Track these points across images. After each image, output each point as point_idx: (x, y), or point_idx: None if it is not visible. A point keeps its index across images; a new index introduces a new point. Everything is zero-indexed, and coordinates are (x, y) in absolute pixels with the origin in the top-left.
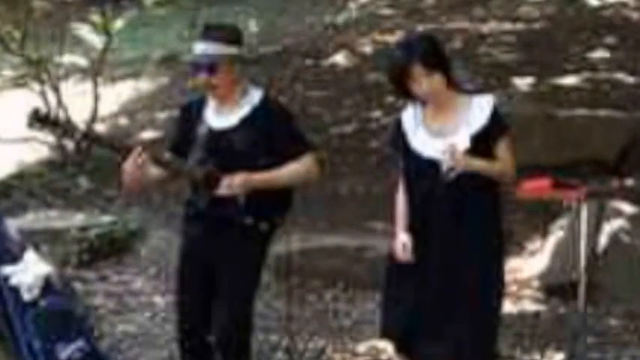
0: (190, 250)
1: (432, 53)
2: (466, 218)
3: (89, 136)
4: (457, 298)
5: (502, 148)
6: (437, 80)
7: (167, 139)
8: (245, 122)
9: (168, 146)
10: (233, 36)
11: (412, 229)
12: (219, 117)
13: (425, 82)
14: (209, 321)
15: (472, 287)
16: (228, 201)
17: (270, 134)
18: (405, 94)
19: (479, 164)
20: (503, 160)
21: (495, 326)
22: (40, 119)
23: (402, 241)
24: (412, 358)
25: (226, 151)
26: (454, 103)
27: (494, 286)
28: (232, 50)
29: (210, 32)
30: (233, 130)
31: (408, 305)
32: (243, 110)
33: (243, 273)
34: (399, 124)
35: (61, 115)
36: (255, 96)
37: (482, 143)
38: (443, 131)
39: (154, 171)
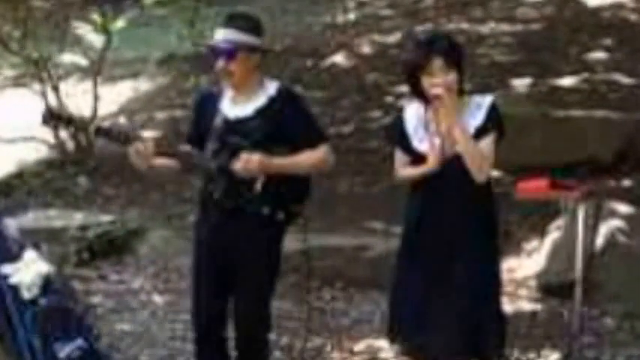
0: (207, 244)
1: (453, 50)
2: (465, 217)
3: (101, 130)
4: (462, 294)
5: (484, 143)
6: (453, 78)
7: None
8: (261, 112)
9: (186, 138)
10: (253, 25)
11: (412, 225)
12: (234, 107)
13: (442, 77)
14: (224, 315)
15: (473, 282)
16: (244, 191)
17: (285, 124)
18: (415, 91)
19: (468, 138)
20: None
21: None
22: (54, 117)
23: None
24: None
25: (242, 140)
26: (457, 105)
27: (496, 279)
28: (251, 39)
29: (231, 20)
30: (249, 119)
31: (415, 304)
32: (260, 100)
33: (262, 263)
34: (401, 122)
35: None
36: (271, 87)
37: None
38: (441, 133)
39: (168, 162)
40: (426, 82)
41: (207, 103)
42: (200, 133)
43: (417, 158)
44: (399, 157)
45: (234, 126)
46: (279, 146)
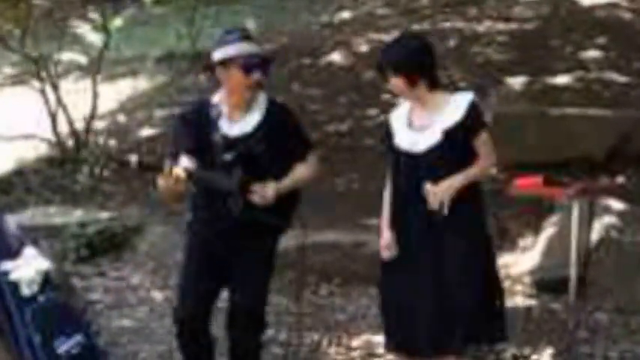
0: (209, 252)
1: (402, 57)
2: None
3: (142, 165)
4: (446, 291)
5: (480, 143)
6: (397, 83)
7: (177, 147)
8: (260, 127)
9: (185, 151)
10: None
11: (396, 223)
12: (233, 124)
13: (392, 82)
14: (211, 314)
15: (459, 279)
16: (259, 206)
17: (282, 136)
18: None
19: (460, 179)
20: (482, 154)
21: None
22: (142, 167)
23: (385, 241)
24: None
25: (247, 156)
26: (436, 102)
27: (481, 275)
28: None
29: (249, 34)
30: (250, 135)
31: (405, 308)
32: (255, 115)
33: (263, 267)
34: (387, 123)
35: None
36: (262, 99)
37: (455, 138)
38: (421, 127)
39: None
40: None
41: (198, 117)
42: (199, 149)
43: (397, 155)
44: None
45: (237, 143)
46: (278, 156)
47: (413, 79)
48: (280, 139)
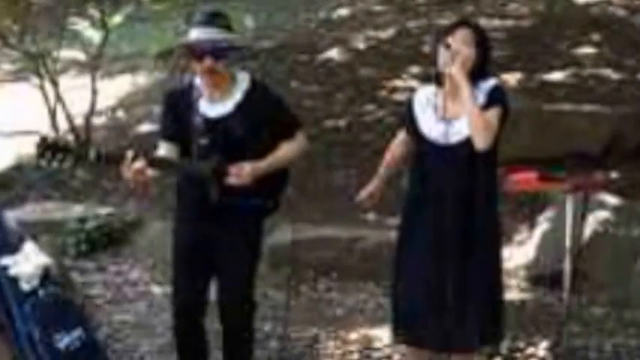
0: (195, 237)
1: (483, 33)
2: (469, 203)
3: (101, 156)
4: (466, 281)
5: (489, 113)
6: (469, 54)
7: (160, 130)
8: (241, 107)
9: (162, 135)
10: (229, 23)
11: (413, 207)
12: (213, 105)
13: (462, 47)
14: (205, 304)
15: (480, 269)
16: (236, 189)
17: (266, 116)
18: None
19: (467, 85)
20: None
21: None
22: (49, 147)
23: (370, 190)
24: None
25: (227, 138)
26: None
27: (498, 267)
28: (233, 37)
29: (213, 18)
30: (230, 116)
31: (418, 298)
32: (237, 96)
33: (250, 250)
34: (410, 102)
35: (69, 139)
36: (244, 80)
37: None
38: (451, 119)
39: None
40: (444, 54)
41: (180, 100)
42: (180, 131)
43: (423, 141)
44: (401, 136)
45: (217, 124)
46: (262, 137)
47: (479, 68)
48: (264, 119)
